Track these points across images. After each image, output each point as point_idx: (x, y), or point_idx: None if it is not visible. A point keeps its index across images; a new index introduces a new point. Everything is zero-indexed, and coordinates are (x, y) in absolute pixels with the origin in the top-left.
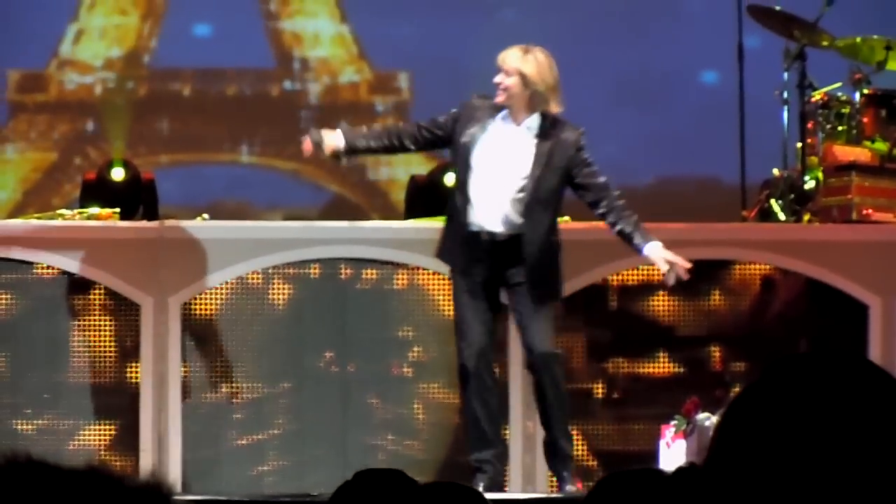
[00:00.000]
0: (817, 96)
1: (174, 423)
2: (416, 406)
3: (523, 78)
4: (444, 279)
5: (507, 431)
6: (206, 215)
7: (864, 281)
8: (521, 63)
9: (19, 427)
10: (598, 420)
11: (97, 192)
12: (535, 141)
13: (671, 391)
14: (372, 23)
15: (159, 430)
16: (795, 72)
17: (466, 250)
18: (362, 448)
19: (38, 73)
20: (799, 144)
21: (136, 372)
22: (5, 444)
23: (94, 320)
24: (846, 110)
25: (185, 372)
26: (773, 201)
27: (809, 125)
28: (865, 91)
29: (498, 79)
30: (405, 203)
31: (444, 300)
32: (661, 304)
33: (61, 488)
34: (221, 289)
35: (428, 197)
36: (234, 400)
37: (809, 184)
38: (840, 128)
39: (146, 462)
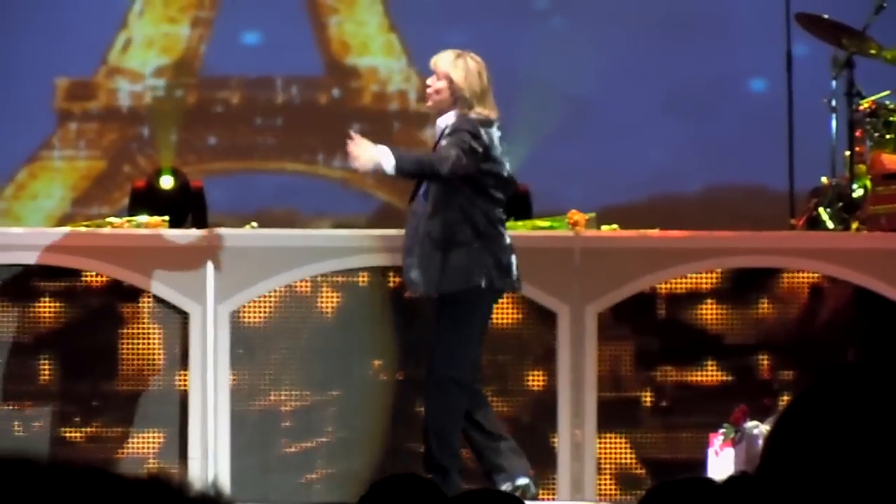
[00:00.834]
0: (865, 104)
1: (223, 430)
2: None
3: (450, 83)
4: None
5: (555, 439)
6: (254, 223)
7: None
8: (449, 67)
9: (68, 435)
10: (646, 428)
11: (146, 200)
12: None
13: (719, 399)
14: (421, 30)
15: (208, 438)
16: (843, 80)
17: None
18: (411, 456)
19: (87, 81)
20: (847, 153)
21: (185, 380)
22: (56, 452)
23: (143, 328)
24: (894, 118)
25: (234, 380)
26: (821, 209)
27: (857, 133)
28: None
29: (429, 81)
30: None
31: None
32: (709, 312)
33: (122, 497)
34: (270, 296)
35: None
36: (282, 408)
37: (857, 192)
38: (888, 136)
39: (195, 470)
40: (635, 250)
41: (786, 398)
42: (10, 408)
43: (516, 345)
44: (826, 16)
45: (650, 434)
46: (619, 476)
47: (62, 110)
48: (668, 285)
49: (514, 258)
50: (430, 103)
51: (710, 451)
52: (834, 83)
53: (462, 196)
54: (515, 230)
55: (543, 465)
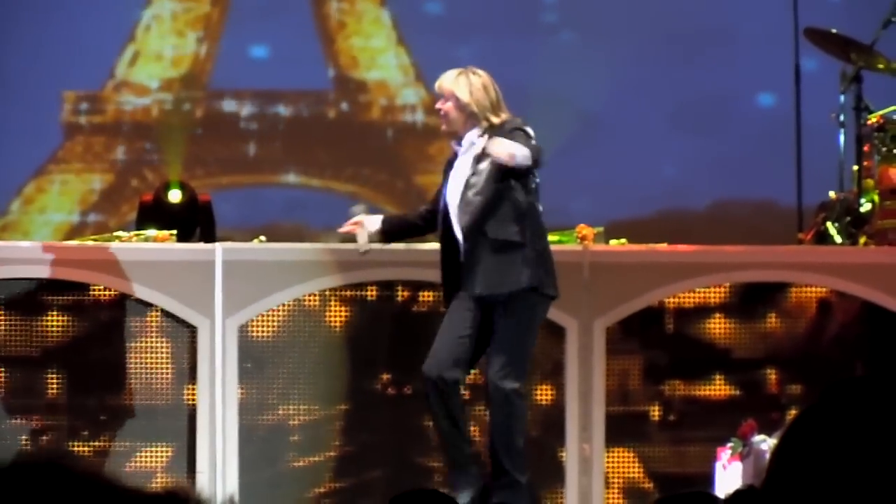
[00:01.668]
0: (873, 119)
1: (231, 445)
2: (472, 428)
3: (457, 101)
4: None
5: (563, 453)
6: (262, 237)
7: None
8: (453, 86)
9: (76, 449)
10: (654, 442)
11: (154, 213)
12: (471, 156)
13: (727, 413)
14: (429, 44)
15: (216, 452)
16: (852, 94)
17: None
18: (419, 470)
19: (95, 94)
20: (855, 167)
21: (193, 394)
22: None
23: (151, 342)
24: None
25: (242, 394)
26: (829, 224)
27: (866, 148)
28: None
29: (438, 105)
30: None
31: None
32: (717, 326)
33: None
34: (278, 311)
35: None
36: (290, 422)
37: (866, 206)
38: None
39: (203, 484)
40: (644, 265)
41: (793, 412)
42: (19, 422)
43: None
44: (834, 30)
45: (658, 448)
46: (627, 490)
47: (70, 124)
48: (677, 299)
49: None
50: (444, 127)
51: (718, 465)
52: (842, 98)
53: (517, 194)
54: None
55: (551, 479)
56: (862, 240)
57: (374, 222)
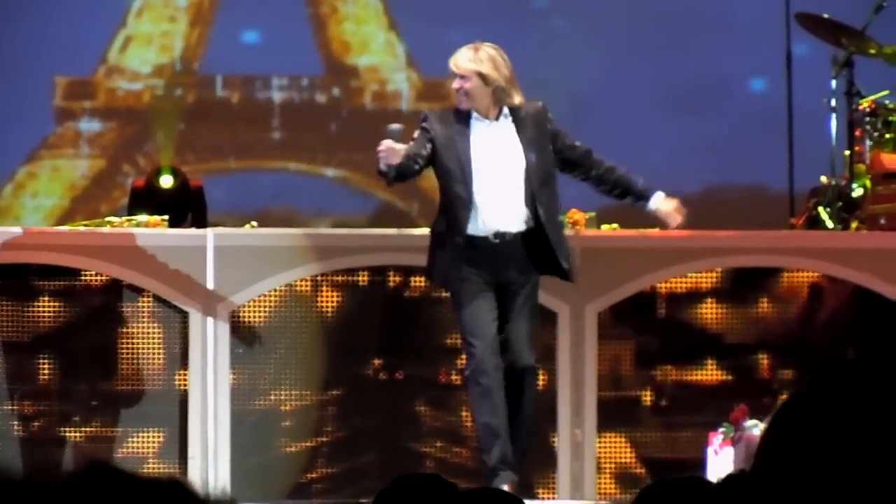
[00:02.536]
0: (865, 104)
1: (223, 430)
2: (464, 413)
3: (482, 77)
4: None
5: (555, 439)
6: (254, 222)
7: None
8: (475, 64)
9: (68, 435)
10: (646, 427)
11: (145, 199)
12: (514, 128)
13: (719, 399)
14: (420, 29)
15: (208, 438)
16: (843, 79)
17: (471, 258)
18: (411, 455)
19: (86, 79)
20: (847, 152)
21: (185, 379)
22: (54, 452)
23: (143, 328)
24: (894, 118)
25: (234, 379)
26: (820, 209)
27: (857, 133)
28: None
29: (456, 84)
30: None
31: None
32: (708, 311)
33: (144, 499)
34: (270, 296)
35: None
36: (282, 407)
37: (857, 191)
38: (888, 135)
39: (195, 469)
40: (635, 250)
41: (785, 397)
42: (10, 407)
43: None
44: (826, 15)
45: (650, 433)
46: (619, 475)
47: (61, 109)
48: (668, 285)
49: None
50: (464, 104)
51: (710, 451)
52: (834, 83)
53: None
54: None
55: (543, 464)
56: (854, 225)
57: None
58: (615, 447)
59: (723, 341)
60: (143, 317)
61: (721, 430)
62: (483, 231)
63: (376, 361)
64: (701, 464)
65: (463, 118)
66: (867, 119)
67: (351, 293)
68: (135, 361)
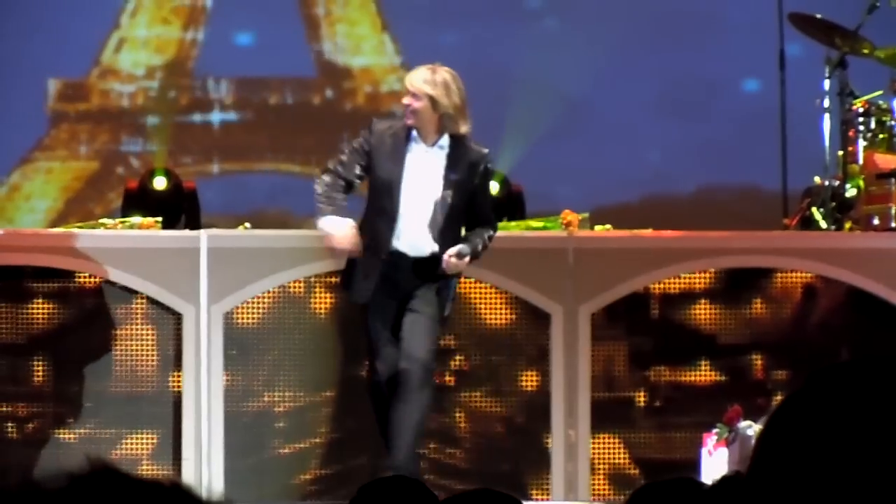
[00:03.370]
0: (858, 104)
1: (216, 431)
2: (458, 414)
3: (432, 101)
4: (486, 288)
5: (549, 440)
6: (247, 224)
7: None
8: (428, 86)
9: (62, 436)
10: (640, 428)
11: (139, 201)
12: (444, 162)
13: (713, 399)
14: (413, 31)
15: (201, 439)
16: (836, 80)
17: (386, 275)
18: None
19: (80, 81)
20: (840, 152)
21: (179, 381)
22: (48, 453)
23: (136, 329)
24: (887, 118)
25: (228, 381)
26: (814, 209)
27: (850, 133)
28: None
29: (406, 101)
30: None
31: (485, 309)
32: (702, 312)
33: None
34: (263, 297)
35: None
36: (276, 408)
37: (850, 192)
38: (881, 136)
39: (188, 471)
40: (629, 250)
41: (779, 398)
42: (4, 409)
43: (510, 345)
44: (819, 16)
45: (644, 434)
46: (613, 476)
47: (55, 111)
48: (662, 285)
49: None
50: (410, 122)
51: (704, 451)
52: (827, 83)
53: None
54: (508, 230)
55: (537, 465)
56: (847, 225)
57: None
58: (609, 448)
59: (716, 342)
60: (137, 318)
61: (715, 430)
62: (402, 248)
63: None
64: (695, 465)
65: (406, 135)
66: (860, 119)
67: (344, 295)
68: (128, 363)
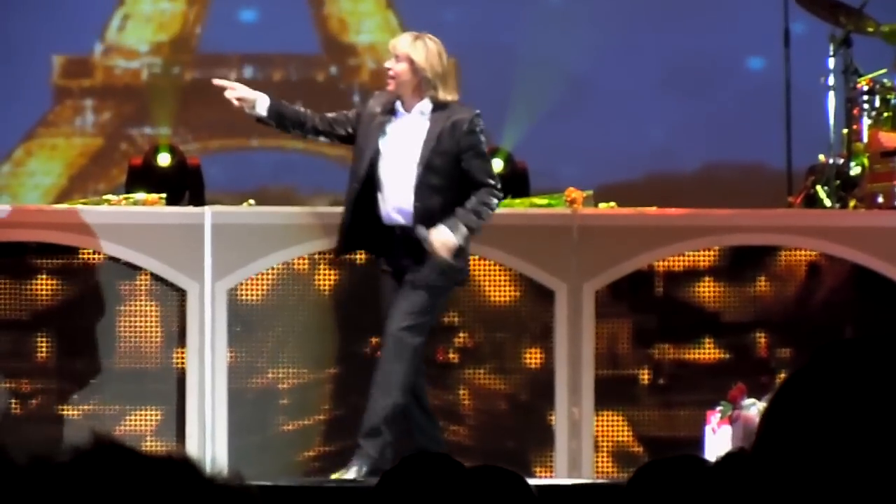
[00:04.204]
0: (863, 82)
1: (220, 408)
2: (461, 392)
3: (412, 64)
4: (490, 265)
5: (553, 417)
6: (252, 201)
7: None
8: (410, 49)
9: (65, 412)
10: (644, 406)
11: (143, 177)
12: (427, 126)
13: (717, 377)
14: (417, 8)
15: (205, 416)
16: (841, 58)
17: (378, 247)
18: (408, 433)
19: (84, 58)
20: (844, 130)
21: (182, 357)
22: (52, 429)
23: (140, 306)
24: (891, 96)
25: (232, 357)
26: (818, 187)
27: (855, 111)
28: None
29: (388, 64)
30: None
31: (489, 286)
32: (706, 290)
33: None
34: (267, 274)
35: None
36: (280, 385)
37: (855, 170)
38: (885, 114)
39: (192, 448)
40: (633, 228)
41: (783, 376)
42: (7, 385)
43: (514, 323)
44: None
45: (647, 412)
46: (617, 454)
47: (59, 88)
48: (666, 263)
49: None
50: (391, 87)
51: (708, 429)
52: (831, 61)
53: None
54: (513, 208)
55: (541, 442)
56: (851, 203)
57: (259, 103)
58: (613, 426)
59: (720, 320)
60: (141, 295)
61: (719, 408)
62: (387, 220)
63: (374, 339)
64: (698, 442)
65: (387, 105)
66: (865, 97)
67: (348, 271)
68: (132, 340)
